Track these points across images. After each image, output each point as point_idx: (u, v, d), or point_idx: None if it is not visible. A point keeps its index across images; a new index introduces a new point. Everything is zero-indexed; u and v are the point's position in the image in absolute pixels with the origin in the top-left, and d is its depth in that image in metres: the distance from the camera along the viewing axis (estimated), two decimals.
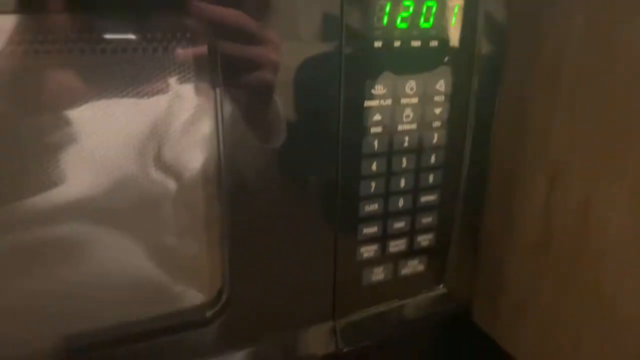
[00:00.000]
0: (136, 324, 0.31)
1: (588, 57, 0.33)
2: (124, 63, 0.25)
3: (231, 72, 0.27)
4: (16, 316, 0.28)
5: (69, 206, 0.27)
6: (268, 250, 0.32)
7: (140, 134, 0.27)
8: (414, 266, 0.37)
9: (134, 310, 0.30)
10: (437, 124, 0.34)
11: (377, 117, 0.31)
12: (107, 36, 0.24)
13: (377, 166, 0.33)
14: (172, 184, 0.29)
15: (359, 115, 0.31)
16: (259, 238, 0.31)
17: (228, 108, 0.27)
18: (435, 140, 0.34)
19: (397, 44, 0.30)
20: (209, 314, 0.32)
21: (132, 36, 0.25)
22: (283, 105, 0.28)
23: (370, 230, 0.34)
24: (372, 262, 0.35)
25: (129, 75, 0.25)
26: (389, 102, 0.31)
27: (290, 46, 0.27)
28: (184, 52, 0.26)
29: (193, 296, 0.32)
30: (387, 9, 0.29)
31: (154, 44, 0.25)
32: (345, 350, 0.36)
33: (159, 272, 0.31)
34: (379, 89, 0.31)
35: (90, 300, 0.29)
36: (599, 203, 0.35)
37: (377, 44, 0.30)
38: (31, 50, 0.23)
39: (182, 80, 0.27)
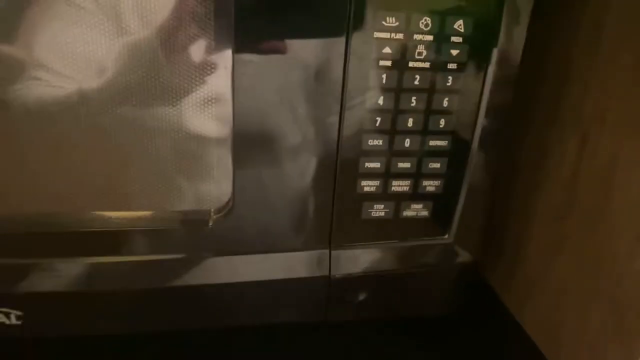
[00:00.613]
0: (152, 215, 0.35)
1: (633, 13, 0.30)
2: None
3: None
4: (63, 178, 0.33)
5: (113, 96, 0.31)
6: (271, 170, 0.34)
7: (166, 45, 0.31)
8: (417, 210, 0.37)
9: (155, 201, 0.35)
10: (452, 66, 0.33)
11: (387, 50, 0.32)
12: None
13: (384, 101, 0.33)
14: (192, 100, 0.32)
15: (367, 47, 0.32)
16: (263, 157, 0.34)
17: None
18: (449, 83, 0.33)
19: None
20: (214, 216, 0.35)
21: None
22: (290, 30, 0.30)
23: (372, 165, 0.35)
24: (372, 197, 0.36)
25: None
26: (400, 36, 0.32)
27: None
28: None
29: (203, 200, 0.35)
30: None
31: None
32: (336, 275, 0.38)
33: (182, 175, 0.35)
34: (390, 21, 0.31)
35: (118, 185, 0.34)
36: (624, 163, 0.32)
37: None
38: None
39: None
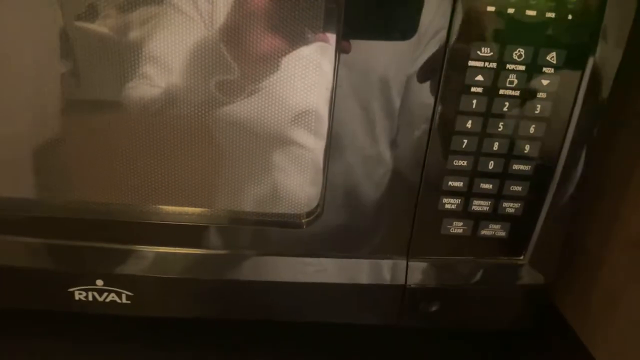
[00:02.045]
0: (252, 214, 0.39)
1: None
2: None
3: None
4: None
5: (217, 114, 0.35)
6: (359, 179, 0.37)
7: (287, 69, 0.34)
8: (495, 230, 0.39)
9: (254, 203, 0.39)
10: (542, 95, 0.35)
11: (479, 78, 0.34)
12: None
13: (472, 125, 0.35)
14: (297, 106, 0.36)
15: (461, 74, 0.34)
16: (353, 166, 0.37)
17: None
18: (537, 112, 0.35)
19: (510, 10, 0.32)
20: (304, 220, 0.39)
21: None
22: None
23: (456, 184, 0.37)
24: (452, 215, 0.38)
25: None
26: (493, 65, 0.34)
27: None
28: None
29: (296, 205, 0.39)
30: None
31: None
32: (412, 285, 0.40)
33: (279, 180, 0.38)
34: (485, 51, 0.33)
35: (220, 184, 0.38)
36: None
37: (490, 8, 0.32)
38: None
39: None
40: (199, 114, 0.35)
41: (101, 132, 0.36)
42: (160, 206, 0.38)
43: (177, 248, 0.39)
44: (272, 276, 0.40)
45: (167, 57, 0.34)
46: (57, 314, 0.41)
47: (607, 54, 0.34)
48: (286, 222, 0.39)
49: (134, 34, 0.33)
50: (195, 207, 0.39)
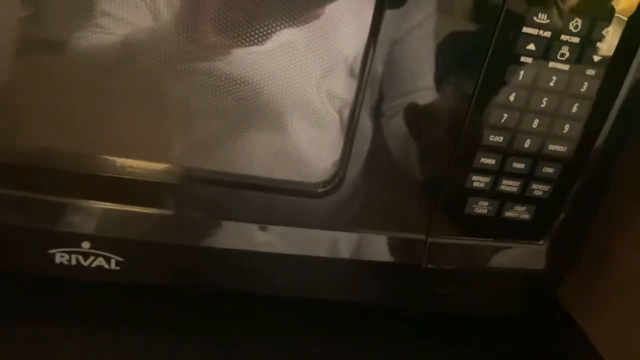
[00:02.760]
0: (266, 179, 0.35)
1: None
2: None
3: None
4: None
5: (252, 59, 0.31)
6: (386, 149, 0.34)
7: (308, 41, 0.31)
8: (520, 212, 0.37)
9: (267, 167, 0.35)
10: (591, 72, 0.32)
11: (531, 46, 0.31)
12: None
13: (515, 98, 0.33)
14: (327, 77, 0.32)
15: (513, 40, 0.31)
16: (381, 134, 0.33)
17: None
18: (584, 89, 0.33)
19: None
20: (320, 189, 0.35)
21: None
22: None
23: (488, 161, 0.35)
24: (479, 193, 0.36)
25: None
26: (547, 34, 0.31)
27: None
28: None
29: (314, 173, 0.35)
30: None
31: None
32: (429, 266, 0.38)
33: (297, 146, 0.35)
34: (541, 17, 0.31)
35: (241, 145, 0.34)
36: None
37: None
38: None
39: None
40: (200, 62, 0.31)
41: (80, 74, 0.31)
42: (158, 163, 0.34)
43: (175, 211, 0.35)
44: (280, 247, 0.36)
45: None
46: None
47: None
48: (300, 191, 0.35)
49: None
50: (195, 166, 0.34)
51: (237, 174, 0.35)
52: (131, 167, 0.34)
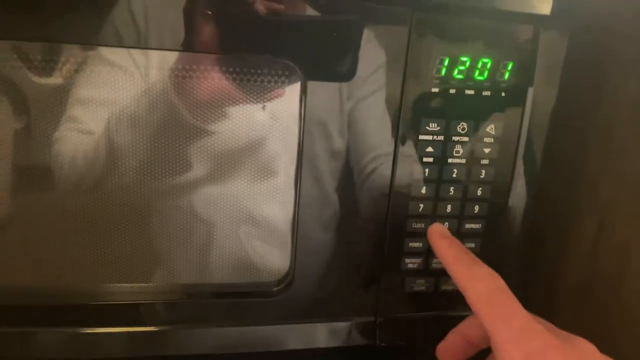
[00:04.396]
0: (221, 286, 0.40)
1: None
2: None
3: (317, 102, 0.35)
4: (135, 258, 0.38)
5: (198, 184, 0.37)
6: (327, 249, 0.39)
7: (253, 141, 0.37)
8: (454, 284, 0.42)
9: (221, 274, 0.40)
10: (485, 161, 0.39)
11: (430, 149, 0.38)
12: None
13: (426, 190, 0.39)
14: (267, 185, 0.38)
15: (414, 147, 0.37)
16: (321, 238, 0.39)
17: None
18: (482, 175, 0.39)
19: (452, 91, 0.37)
20: (275, 289, 0.40)
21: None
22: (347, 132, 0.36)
23: (416, 244, 0.40)
24: (415, 273, 0.41)
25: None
26: (441, 138, 0.37)
27: (357, 85, 0.35)
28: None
29: (267, 274, 0.40)
30: (446, 62, 0.36)
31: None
32: (382, 344, 0.42)
33: (247, 250, 0.40)
34: (432, 126, 0.37)
35: (192, 261, 0.39)
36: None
37: (435, 89, 0.36)
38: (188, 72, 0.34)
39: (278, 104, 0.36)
40: (158, 184, 0.36)
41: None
42: (113, 285, 0.38)
43: (136, 327, 0.39)
44: (242, 348, 0.40)
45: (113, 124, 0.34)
46: None
47: (538, 125, 0.39)
48: (258, 292, 0.40)
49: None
50: (155, 283, 0.39)
51: (199, 286, 0.40)
52: (97, 292, 0.38)
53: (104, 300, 0.38)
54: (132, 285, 0.39)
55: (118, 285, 0.38)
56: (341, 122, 0.36)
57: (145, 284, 0.39)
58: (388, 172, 0.38)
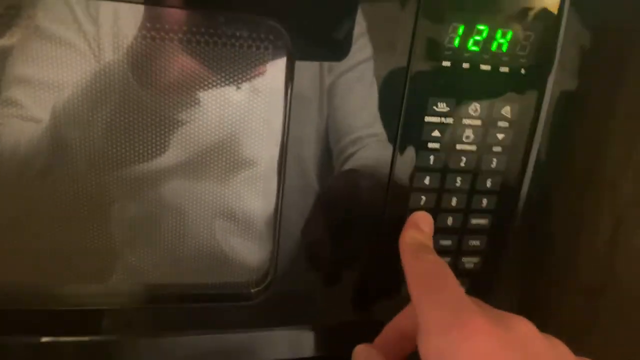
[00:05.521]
0: (194, 286, 0.34)
1: None
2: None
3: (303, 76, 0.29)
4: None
5: (165, 173, 0.31)
6: (312, 245, 0.34)
7: (229, 121, 0.31)
8: None
9: (195, 274, 0.34)
10: (497, 149, 0.34)
11: (436, 133, 0.32)
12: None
13: (430, 181, 0.34)
14: (246, 174, 0.32)
15: (418, 129, 0.32)
16: (305, 239, 0.34)
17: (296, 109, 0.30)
18: (493, 165, 0.34)
19: (466, 65, 0.31)
20: (253, 290, 0.35)
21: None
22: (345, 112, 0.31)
23: None
24: None
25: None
26: (449, 120, 0.32)
27: (358, 57, 0.30)
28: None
29: (245, 273, 0.35)
30: (460, 31, 0.30)
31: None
32: None
33: (222, 247, 0.34)
34: (441, 107, 0.32)
35: (162, 258, 0.33)
36: None
37: (446, 63, 0.31)
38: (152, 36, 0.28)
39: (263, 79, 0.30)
40: (119, 173, 0.31)
41: None
42: (64, 287, 0.33)
43: (91, 336, 0.33)
44: (216, 358, 0.35)
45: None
46: None
47: (558, 108, 0.34)
48: (233, 294, 0.35)
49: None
50: (114, 285, 0.33)
51: (166, 287, 0.34)
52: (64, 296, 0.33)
53: (54, 306, 0.32)
54: (87, 287, 0.33)
55: (70, 287, 0.33)
56: (321, 99, 0.31)
57: (103, 286, 0.33)
58: (388, 158, 0.33)
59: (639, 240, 0.35)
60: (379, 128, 0.32)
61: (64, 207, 0.31)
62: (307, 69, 0.30)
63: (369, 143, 0.32)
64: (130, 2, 0.27)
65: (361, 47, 0.30)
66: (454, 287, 0.26)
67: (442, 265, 0.28)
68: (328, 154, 0.32)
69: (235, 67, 0.29)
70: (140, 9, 0.27)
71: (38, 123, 0.29)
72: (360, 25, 0.29)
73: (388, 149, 0.32)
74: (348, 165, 0.32)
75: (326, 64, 0.30)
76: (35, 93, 0.28)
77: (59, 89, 0.28)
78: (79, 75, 0.28)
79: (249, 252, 0.35)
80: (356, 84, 0.31)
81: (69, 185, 0.30)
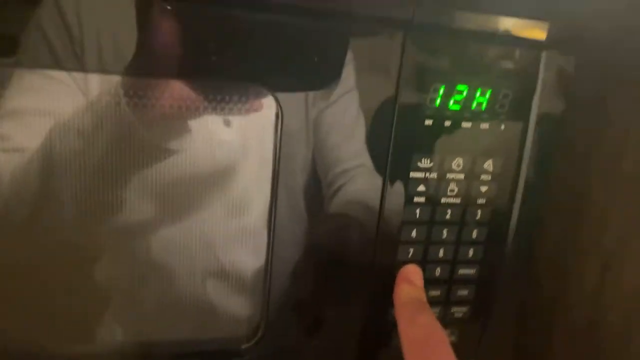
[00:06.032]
0: (182, 344, 0.34)
1: None
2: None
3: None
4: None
5: (141, 228, 0.31)
6: (304, 297, 0.34)
7: (210, 177, 0.32)
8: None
9: (182, 330, 0.34)
10: (481, 201, 0.35)
11: (421, 188, 0.33)
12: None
13: (417, 234, 0.34)
14: (233, 226, 0.33)
15: (403, 185, 0.33)
16: (295, 292, 0.34)
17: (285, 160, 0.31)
18: (478, 217, 0.35)
19: (447, 123, 0.32)
20: (244, 346, 0.35)
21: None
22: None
23: None
24: None
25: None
26: (434, 175, 0.33)
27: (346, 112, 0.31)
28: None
29: (234, 328, 0.35)
30: (441, 91, 0.32)
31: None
32: None
33: (211, 302, 0.34)
34: (425, 162, 0.33)
35: (148, 316, 0.33)
36: None
37: (428, 122, 0.32)
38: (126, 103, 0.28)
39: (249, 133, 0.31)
40: (106, 224, 0.31)
41: None
42: (45, 345, 0.32)
43: None
44: None
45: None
46: None
47: (539, 160, 0.35)
48: (223, 351, 0.35)
49: None
50: (97, 343, 0.33)
51: (151, 345, 0.34)
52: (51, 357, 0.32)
53: None
54: (69, 346, 0.33)
55: (51, 345, 0.32)
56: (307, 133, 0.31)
57: (85, 345, 0.33)
58: (375, 214, 0.33)
59: (627, 285, 0.36)
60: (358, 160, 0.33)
61: (44, 259, 0.31)
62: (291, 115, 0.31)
63: (354, 175, 0.33)
64: (125, 75, 0.28)
65: (346, 107, 0.31)
66: (447, 357, 0.27)
67: (436, 330, 0.29)
68: (317, 188, 0.33)
69: (223, 120, 0.30)
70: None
71: (22, 154, 0.29)
72: (343, 86, 0.30)
73: (375, 197, 0.33)
74: (337, 203, 0.33)
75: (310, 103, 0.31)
76: (18, 125, 0.28)
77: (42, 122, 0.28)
78: (64, 115, 0.28)
79: (239, 306, 0.35)
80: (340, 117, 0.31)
81: (48, 235, 0.30)
